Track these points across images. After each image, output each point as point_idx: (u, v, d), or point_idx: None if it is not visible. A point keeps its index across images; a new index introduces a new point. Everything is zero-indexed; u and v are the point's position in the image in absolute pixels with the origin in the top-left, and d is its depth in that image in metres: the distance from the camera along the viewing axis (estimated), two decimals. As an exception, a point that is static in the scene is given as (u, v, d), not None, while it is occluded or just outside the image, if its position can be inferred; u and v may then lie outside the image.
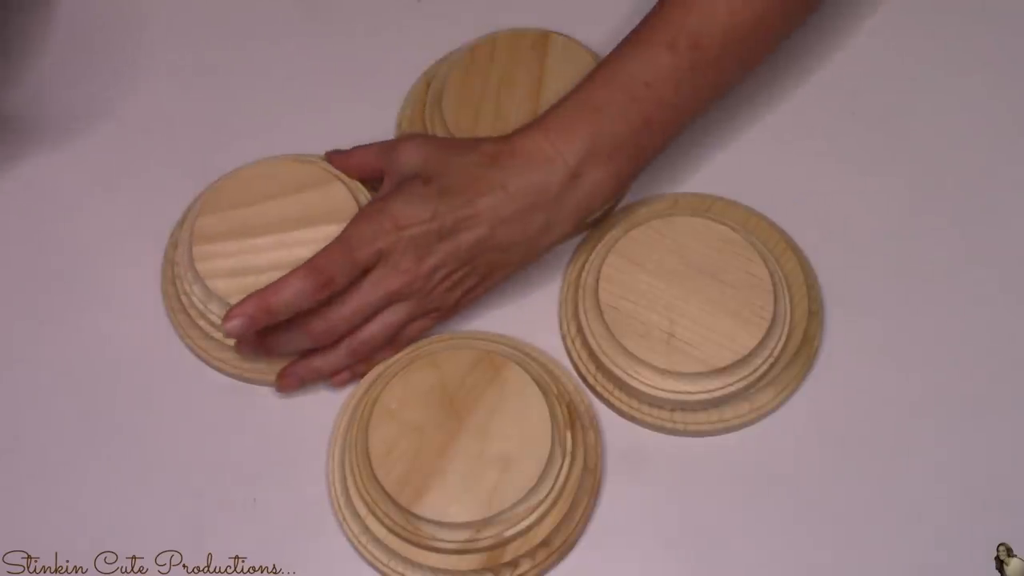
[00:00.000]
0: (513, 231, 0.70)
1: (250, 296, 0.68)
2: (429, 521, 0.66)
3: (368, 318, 0.71)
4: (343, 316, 0.70)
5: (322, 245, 0.72)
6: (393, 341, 0.72)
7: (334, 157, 0.77)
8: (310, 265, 0.68)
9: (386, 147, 0.75)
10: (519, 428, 0.68)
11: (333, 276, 0.68)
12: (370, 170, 0.75)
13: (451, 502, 0.66)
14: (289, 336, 0.71)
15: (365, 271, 0.70)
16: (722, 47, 0.71)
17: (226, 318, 0.68)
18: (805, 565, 0.68)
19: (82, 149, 0.81)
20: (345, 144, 0.78)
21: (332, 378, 0.73)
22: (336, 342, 0.71)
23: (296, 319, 0.70)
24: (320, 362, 0.72)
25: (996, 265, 0.76)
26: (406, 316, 0.71)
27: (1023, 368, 0.73)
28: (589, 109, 0.71)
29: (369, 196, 0.76)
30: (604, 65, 0.72)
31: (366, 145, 0.76)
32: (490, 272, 0.72)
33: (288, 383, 0.72)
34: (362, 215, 0.70)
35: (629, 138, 0.71)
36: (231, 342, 0.73)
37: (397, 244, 0.69)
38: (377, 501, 0.67)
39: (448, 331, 0.74)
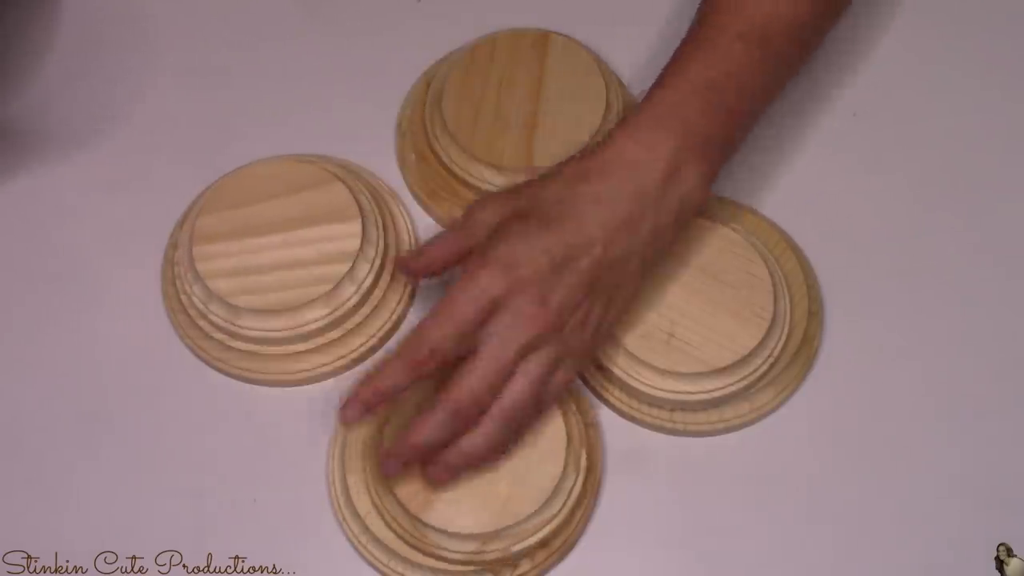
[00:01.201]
0: (623, 243, 0.66)
1: (358, 383, 0.65)
2: (436, 530, 0.66)
3: (507, 378, 0.64)
4: (481, 382, 0.63)
5: (323, 245, 0.73)
6: (540, 402, 0.66)
7: (408, 263, 0.71)
8: (407, 339, 0.64)
9: (458, 224, 0.69)
10: (533, 441, 0.68)
11: (435, 345, 0.63)
12: (455, 253, 0.69)
13: (460, 513, 0.66)
14: (432, 420, 0.64)
15: (480, 325, 0.64)
16: (788, 38, 0.71)
17: (341, 412, 0.64)
18: (805, 565, 0.68)
19: (82, 149, 0.81)
20: (346, 144, 0.79)
21: (491, 457, 0.66)
22: (479, 417, 0.65)
23: (436, 400, 0.64)
24: (470, 444, 0.65)
25: (996, 265, 0.76)
26: (548, 364, 0.65)
27: (1023, 368, 0.73)
28: (672, 105, 0.68)
29: (370, 197, 0.76)
30: (676, 65, 0.70)
31: (435, 236, 0.70)
32: (613, 295, 0.67)
33: (441, 475, 0.65)
34: (464, 274, 0.65)
35: (717, 128, 0.69)
36: (232, 342, 0.73)
37: (513, 288, 0.64)
38: (387, 506, 0.67)
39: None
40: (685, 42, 0.71)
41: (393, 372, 0.64)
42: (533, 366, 0.64)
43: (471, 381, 0.63)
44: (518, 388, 0.64)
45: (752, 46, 0.70)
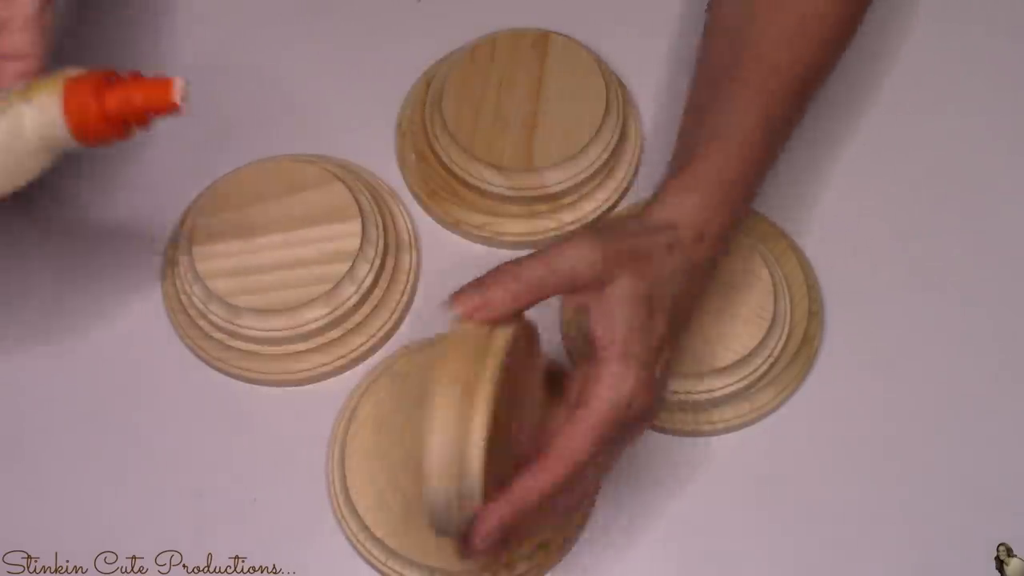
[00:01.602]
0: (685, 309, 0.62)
1: (495, 503, 0.56)
2: None
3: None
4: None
5: (323, 244, 0.73)
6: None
7: (467, 301, 0.57)
8: (556, 451, 0.57)
9: (545, 258, 0.58)
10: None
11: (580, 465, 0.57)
12: (534, 298, 0.58)
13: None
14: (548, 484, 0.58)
15: None
16: (791, 86, 0.67)
17: (473, 540, 0.56)
18: (805, 565, 0.68)
19: (81, 148, 0.81)
20: (346, 144, 0.78)
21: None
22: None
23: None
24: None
25: (996, 265, 0.76)
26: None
27: (1023, 368, 0.73)
28: (706, 175, 0.63)
29: (370, 197, 0.76)
30: (697, 123, 0.66)
31: (508, 267, 0.58)
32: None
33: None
34: (606, 381, 0.57)
35: (738, 180, 0.64)
36: (232, 342, 0.73)
37: (640, 388, 0.58)
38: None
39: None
40: (698, 95, 0.69)
41: (532, 495, 0.56)
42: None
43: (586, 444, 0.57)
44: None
45: (763, 98, 0.66)
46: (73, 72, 0.61)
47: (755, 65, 0.67)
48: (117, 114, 0.60)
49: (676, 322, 0.60)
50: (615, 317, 0.57)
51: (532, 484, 0.56)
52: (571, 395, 0.58)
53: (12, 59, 0.63)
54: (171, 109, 0.60)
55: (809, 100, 0.70)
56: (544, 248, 0.58)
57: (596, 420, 0.57)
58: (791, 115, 0.68)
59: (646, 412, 0.59)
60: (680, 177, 0.63)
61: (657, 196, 0.63)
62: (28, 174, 0.62)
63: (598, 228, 0.63)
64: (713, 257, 0.63)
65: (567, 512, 0.61)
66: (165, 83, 0.60)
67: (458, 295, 0.57)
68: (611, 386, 0.57)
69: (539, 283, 0.57)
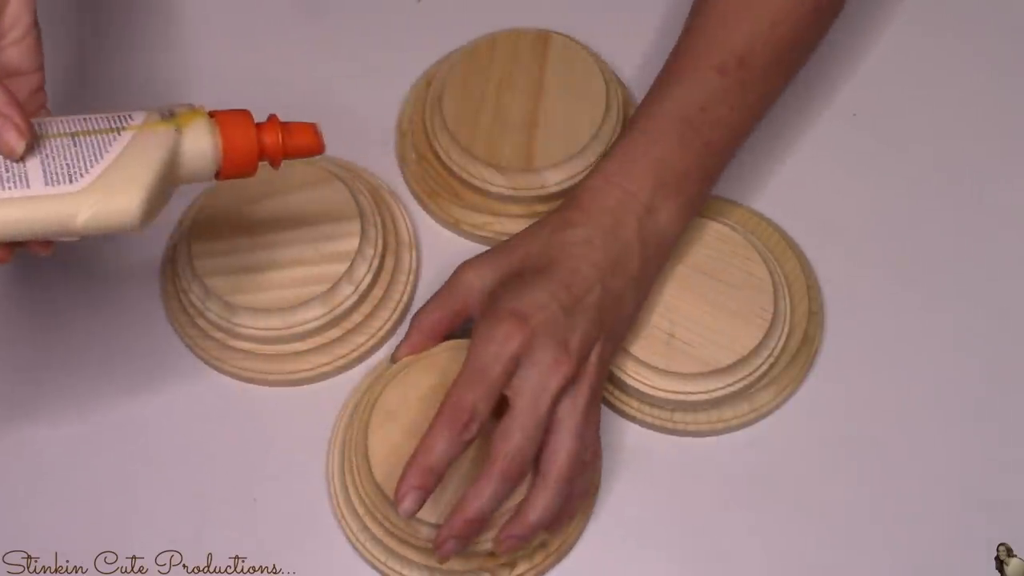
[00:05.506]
0: (618, 282, 0.67)
1: (406, 469, 0.61)
2: (427, 524, 0.65)
3: (544, 430, 0.63)
4: (524, 441, 0.62)
5: (321, 244, 0.73)
6: (584, 449, 0.64)
7: (402, 350, 0.70)
8: (445, 406, 0.62)
9: (446, 292, 0.69)
10: None
11: (472, 408, 0.61)
12: (448, 319, 0.69)
13: (449, 505, 0.66)
14: (485, 490, 0.62)
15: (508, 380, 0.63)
16: (768, 62, 0.71)
17: (397, 502, 0.61)
18: (805, 565, 0.68)
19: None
20: (346, 144, 0.78)
21: (558, 524, 0.66)
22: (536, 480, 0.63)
23: (483, 470, 0.62)
24: (535, 516, 0.63)
25: (996, 265, 0.76)
26: (583, 410, 0.64)
27: (1023, 368, 0.73)
28: (647, 143, 0.69)
29: (369, 197, 0.76)
30: (653, 98, 0.71)
31: (422, 308, 0.70)
32: (614, 330, 0.67)
33: (513, 548, 0.64)
34: (478, 337, 0.63)
35: (693, 163, 0.69)
36: (231, 341, 0.73)
37: (532, 338, 0.63)
38: (377, 504, 0.67)
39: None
40: (661, 76, 0.72)
41: (440, 445, 0.61)
42: (569, 417, 0.63)
43: (515, 442, 0.62)
44: (566, 447, 0.63)
45: (728, 75, 0.70)
46: (193, 106, 0.60)
47: (697, 41, 0.71)
48: (269, 152, 0.62)
49: (605, 315, 0.66)
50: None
51: (474, 494, 0.62)
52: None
53: (15, 75, 0.61)
54: (318, 151, 0.63)
55: (772, 75, 0.72)
56: (452, 276, 0.69)
57: (468, 366, 0.62)
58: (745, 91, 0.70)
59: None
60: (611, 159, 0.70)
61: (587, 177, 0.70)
62: (163, 206, 0.60)
63: (511, 238, 0.70)
64: (646, 240, 0.68)
65: (550, 517, 0.63)
66: (311, 127, 0.63)
67: (395, 355, 0.70)
68: (471, 347, 0.63)
69: (436, 326, 0.69)
